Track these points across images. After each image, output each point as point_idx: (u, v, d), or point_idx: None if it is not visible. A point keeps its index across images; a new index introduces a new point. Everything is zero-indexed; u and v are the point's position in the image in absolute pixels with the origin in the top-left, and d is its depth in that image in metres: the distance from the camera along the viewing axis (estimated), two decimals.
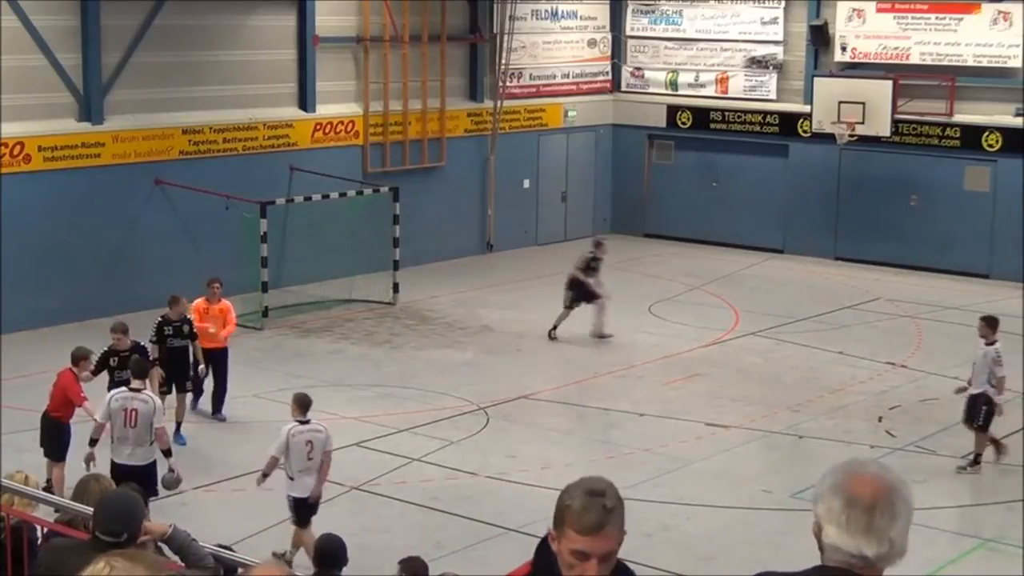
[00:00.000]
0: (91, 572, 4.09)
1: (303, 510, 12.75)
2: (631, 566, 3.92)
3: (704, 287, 26.29)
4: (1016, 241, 26.39)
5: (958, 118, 27.33)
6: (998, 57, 26.94)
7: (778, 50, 29.71)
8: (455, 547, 13.50)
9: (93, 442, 13.38)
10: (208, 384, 17.52)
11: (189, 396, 17.17)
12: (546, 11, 30.11)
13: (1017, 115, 26.78)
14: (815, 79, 28.17)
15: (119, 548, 5.07)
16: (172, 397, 16.63)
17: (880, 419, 18.13)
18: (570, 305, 21.93)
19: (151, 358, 15.76)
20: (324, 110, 25.95)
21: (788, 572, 3.49)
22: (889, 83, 26.98)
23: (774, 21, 29.63)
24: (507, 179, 29.40)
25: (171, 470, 13.58)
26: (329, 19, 25.90)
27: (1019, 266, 26.17)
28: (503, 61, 28.68)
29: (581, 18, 30.99)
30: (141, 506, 6.02)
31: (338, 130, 26.21)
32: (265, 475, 12.93)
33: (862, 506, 3.33)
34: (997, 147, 27.03)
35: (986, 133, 27.11)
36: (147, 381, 14.06)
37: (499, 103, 28.84)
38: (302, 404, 12.93)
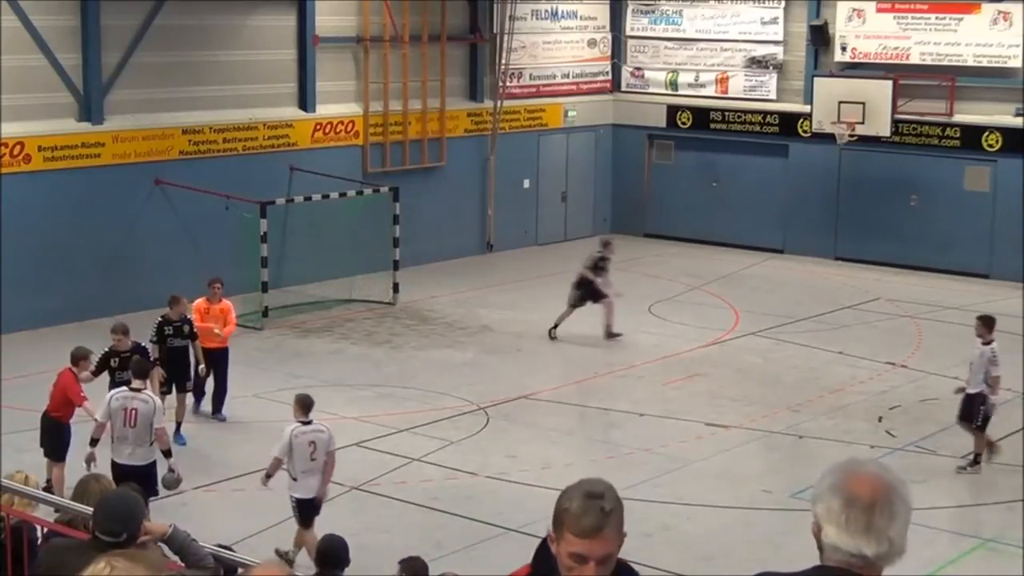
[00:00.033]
0: (92, 572, 4.09)
1: (306, 511, 12.74)
2: (632, 566, 3.91)
3: (704, 287, 26.30)
4: (1016, 241, 26.40)
5: (958, 118, 27.34)
6: (998, 57, 26.94)
7: (778, 50, 29.71)
8: (455, 547, 13.50)
9: (94, 442, 13.38)
10: (209, 385, 17.53)
11: (190, 396, 17.17)
12: (546, 11, 30.11)
13: (1017, 115, 26.78)
14: (815, 79, 28.17)
15: (119, 548, 5.08)
16: (172, 397, 16.63)
17: (880, 419, 18.14)
18: (575, 304, 21.93)
19: (152, 359, 15.75)
20: (324, 110, 25.96)
21: (788, 572, 3.49)
22: (889, 83, 26.98)
23: (774, 21, 29.63)
24: (507, 179, 29.40)
25: (171, 470, 13.57)
26: (329, 19, 25.90)
27: (1019, 266, 26.17)
28: (503, 61, 28.68)
29: (581, 18, 31.00)
30: (141, 506, 6.02)
31: (338, 130, 26.21)
32: (269, 476, 12.91)
33: (861, 505, 3.33)
34: (997, 147, 27.03)
35: (986, 133, 27.11)
36: (148, 381, 14.07)
37: (499, 103, 28.84)
38: (304, 405, 12.91)
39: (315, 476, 12.73)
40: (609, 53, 31.60)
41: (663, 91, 31.24)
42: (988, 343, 15.90)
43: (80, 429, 14.29)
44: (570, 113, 30.98)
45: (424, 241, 26.90)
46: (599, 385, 19.85)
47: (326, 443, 12.79)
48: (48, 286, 21.70)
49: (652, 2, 31.28)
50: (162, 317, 16.86)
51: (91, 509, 6.06)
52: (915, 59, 27.77)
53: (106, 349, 15.26)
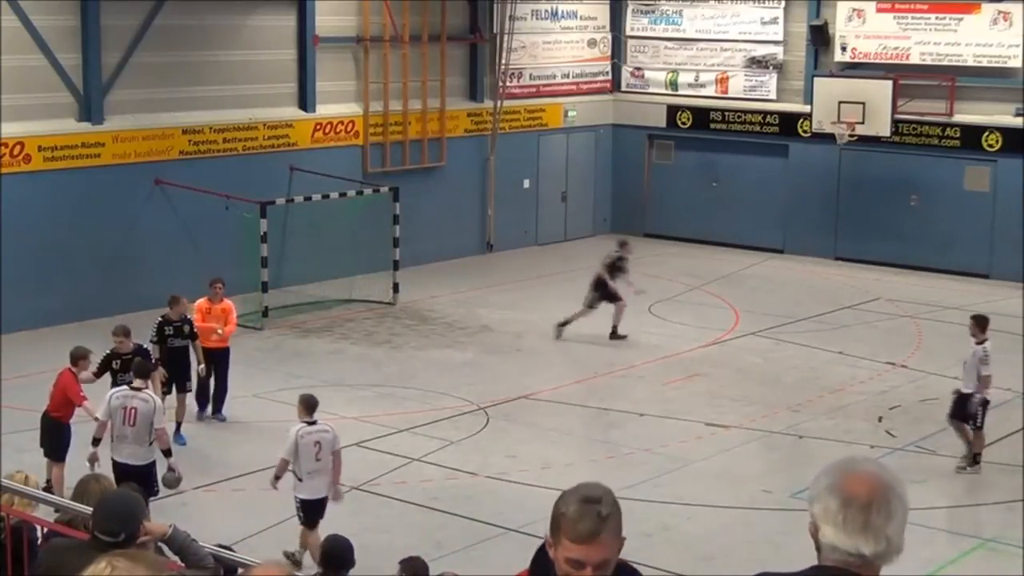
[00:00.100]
0: (92, 572, 4.09)
1: (311, 512, 12.73)
2: (634, 567, 3.91)
3: (704, 287, 26.30)
4: (1016, 241, 26.40)
5: (958, 118, 27.34)
6: (998, 57, 26.94)
7: (778, 50, 29.72)
8: (455, 547, 13.50)
9: (96, 441, 13.40)
10: (210, 388, 17.52)
11: (190, 396, 17.16)
12: (546, 11, 30.11)
13: (1017, 115, 26.78)
14: (815, 79, 28.17)
15: (118, 548, 5.07)
16: (172, 397, 16.63)
17: (880, 419, 18.14)
18: (590, 305, 21.93)
19: (153, 359, 15.75)
20: (324, 110, 25.96)
21: (787, 573, 3.48)
22: (889, 83, 26.98)
23: (774, 21, 29.63)
24: (507, 179, 29.40)
25: (171, 469, 13.58)
26: (329, 19, 25.90)
27: (1019, 266, 26.17)
28: (503, 61, 28.69)
29: (581, 18, 31.00)
30: (141, 506, 6.01)
31: (338, 130, 26.22)
32: (277, 478, 12.87)
33: (858, 505, 3.33)
34: (997, 147, 27.04)
35: (986, 133, 27.11)
36: (149, 382, 14.08)
37: (499, 103, 28.84)
38: (309, 405, 12.89)
39: (321, 477, 12.72)
40: (609, 53, 31.60)
41: (663, 91, 31.25)
42: (981, 343, 15.95)
43: (80, 429, 14.29)
44: (570, 113, 30.98)
45: (424, 241, 26.90)
46: (599, 385, 19.85)
47: (331, 443, 12.78)
48: (48, 286, 21.70)
49: (652, 2, 31.28)
50: (162, 317, 16.87)
51: (91, 509, 6.06)
52: (915, 59, 27.77)
53: (107, 351, 15.26)
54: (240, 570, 6.28)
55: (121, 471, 12.96)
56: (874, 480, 3.37)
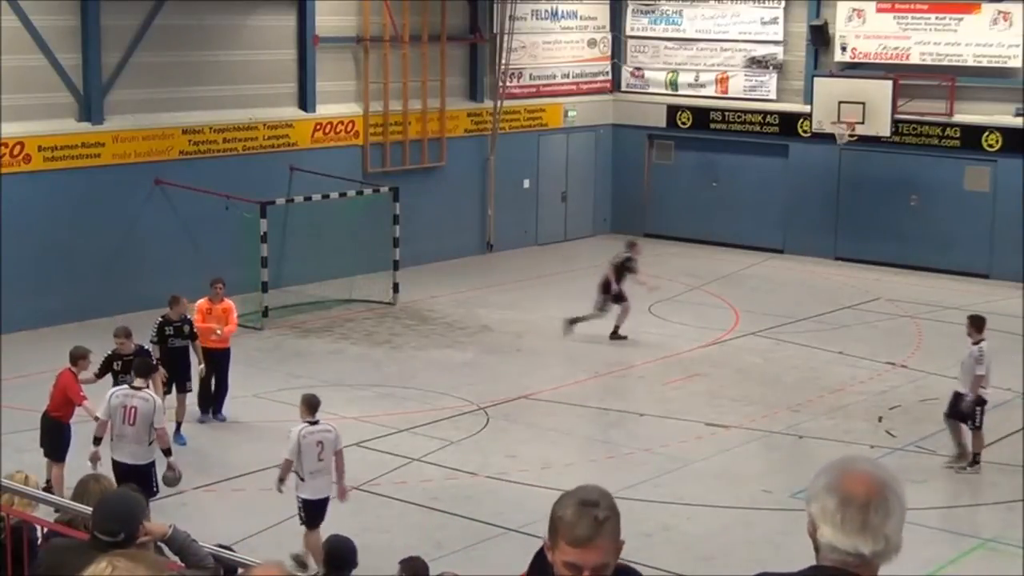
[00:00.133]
0: (93, 572, 4.09)
1: (313, 512, 12.71)
2: (632, 566, 3.90)
3: (704, 287, 26.30)
4: (1016, 241, 26.40)
5: (958, 118, 27.34)
6: (998, 57, 26.94)
7: (778, 50, 29.71)
8: (455, 547, 13.51)
9: (97, 440, 13.41)
10: (210, 390, 17.53)
11: (190, 396, 17.16)
12: (546, 11, 30.11)
13: (1017, 115, 26.78)
14: (815, 79, 28.17)
15: (117, 548, 5.07)
16: (172, 397, 16.63)
17: (880, 419, 18.14)
18: (601, 308, 21.89)
19: (154, 360, 15.75)
20: (324, 110, 25.96)
21: (786, 573, 3.48)
22: (889, 83, 26.98)
23: (774, 21, 29.63)
24: (507, 179, 29.41)
25: (171, 468, 13.58)
26: (329, 19, 25.90)
27: (1019, 266, 26.17)
28: (503, 61, 28.69)
29: (581, 18, 31.00)
30: (141, 506, 6.01)
31: (338, 130, 26.22)
32: (282, 480, 12.85)
33: (856, 504, 3.33)
34: (997, 147, 27.04)
35: (986, 133, 27.11)
36: (150, 382, 14.09)
37: (499, 103, 28.85)
38: (311, 405, 12.88)
39: (323, 477, 12.72)
40: (609, 53, 31.60)
41: (663, 91, 31.25)
42: (978, 343, 15.97)
43: (80, 429, 14.29)
44: (570, 113, 30.98)
45: (424, 241, 26.90)
46: (599, 385, 19.85)
47: (333, 443, 12.77)
48: (48, 286, 21.70)
49: (652, 2, 31.28)
50: (162, 317, 16.87)
51: (91, 509, 6.06)
52: (915, 59, 27.77)
53: (109, 352, 15.26)
54: (240, 570, 6.28)
55: (120, 470, 12.96)
56: (871, 479, 3.37)
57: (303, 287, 24.44)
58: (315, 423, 12.77)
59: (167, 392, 16.29)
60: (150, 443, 13.30)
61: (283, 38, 25.30)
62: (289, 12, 25.32)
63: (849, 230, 28.79)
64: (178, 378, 16.72)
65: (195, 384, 17.15)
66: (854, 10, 28.47)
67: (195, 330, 16.90)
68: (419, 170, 27.54)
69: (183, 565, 6.14)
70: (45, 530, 7.00)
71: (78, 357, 14.50)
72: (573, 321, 21.91)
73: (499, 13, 28.65)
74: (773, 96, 29.78)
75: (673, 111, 30.93)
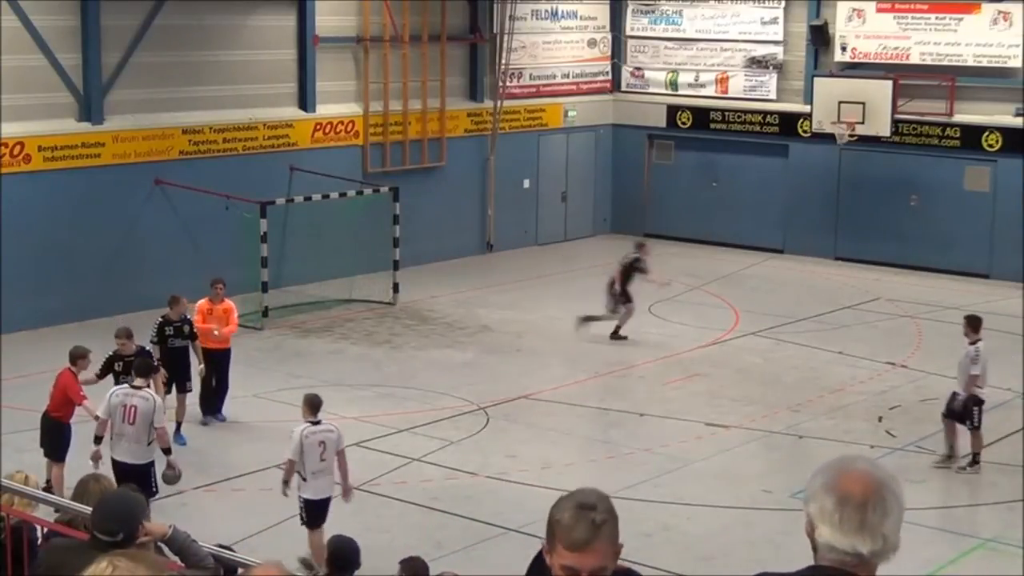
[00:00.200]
0: (93, 572, 4.10)
1: (315, 512, 12.70)
2: (632, 567, 3.90)
3: (704, 287, 26.29)
4: (1016, 241, 26.40)
5: (958, 118, 27.34)
6: (998, 57, 26.95)
7: (778, 50, 29.71)
8: (455, 547, 13.51)
9: (98, 439, 13.43)
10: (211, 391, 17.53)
11: (191, 397, 17.16)
12: (546, 11, 30.11)
13: (1017, 115, 26.78)
14: (815, 79, 28.17)
15: (117, 547, 5.08)
16: (172, 397, 16.63)
17: (880, 419, 18.14)
18: (613, 310, 21.91)
19: (155, 361, 15.76)
20: (324, 110, 25.96)
21: (785, 573, 3.48)
22: (889, 83, 26.98)
23: (774, 21, 29.63)
24: (507, 179, 29.41)
25: (171, 466, 13.59)
26: (329, 19, 25.90)
27: (1019, 266, 26.17)
28: (503, 61, 28.69)
29: (581, 18, 31.00)
30: (140, 506, 6.01)
31: (338, 130, 26.22)
32: (286, 482, 12.83)
33: (854, 503, 3.33)
34: (997, 147, 27.04)
35: (986, 133, 27.11)
36: (151, 382, 14.09)
37: (499, 103, 28.85)
38: (313, 405, 12.87)
39: (325, 477, 12.71)
40: (609, 53, 31.60)
41: (663, 91, 31.25)
42: (974, 343, 16.00)
43: (80, 429, 14.30)
44: (570, 113, 30.98)
45: (424, 241, 26.90)
46: (599, 385, 19.85)
47: (335, 443, 12.76)
48: (48, 286, 21.71)
49: (652, 2, 31.28)
50: (162, 317, 16.86)
51: (91, 509, 6.06)
52: (915, 59, 27.77)
53: (110, 353, 15.26)
54: (240, 570, 6.28)
55: (119, 470, 12.97)
56: (868, 478, 3.37)
57: (303, 287, 24.45)
58: (317, 423, 12.76)
59: (167, 392, 16.29)
60: (149, 443, 13.31)
61: (283, 38, 25.31)
62: (289, 12, 25.32)
63: (849, 230, 28.79)
64: (178, 378, 16.72)
65: (195, 384, 17.14)
66: (854, 10, 28.47)
67: (195, 330, 16.90)
68: (419, 170, 27.54)
69: (183, 565, 6.14)
70: (45, 530, 7.00)
71: (78, 357, 14.50)
72: (587, 319, 21.94)
73: (499, 13, 28.65)
74: (773, 96, 29.79)
75: (673, 111, 30.94)
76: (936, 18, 27.61)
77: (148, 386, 13.74)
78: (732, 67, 30.32)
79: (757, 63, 30.01)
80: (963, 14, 27.26)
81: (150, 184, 23.14)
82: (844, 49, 28.67)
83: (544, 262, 28.36)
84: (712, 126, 30.45)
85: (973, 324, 16.19)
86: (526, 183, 30.14)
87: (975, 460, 16.00)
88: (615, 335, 21.97)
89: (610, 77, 31.76)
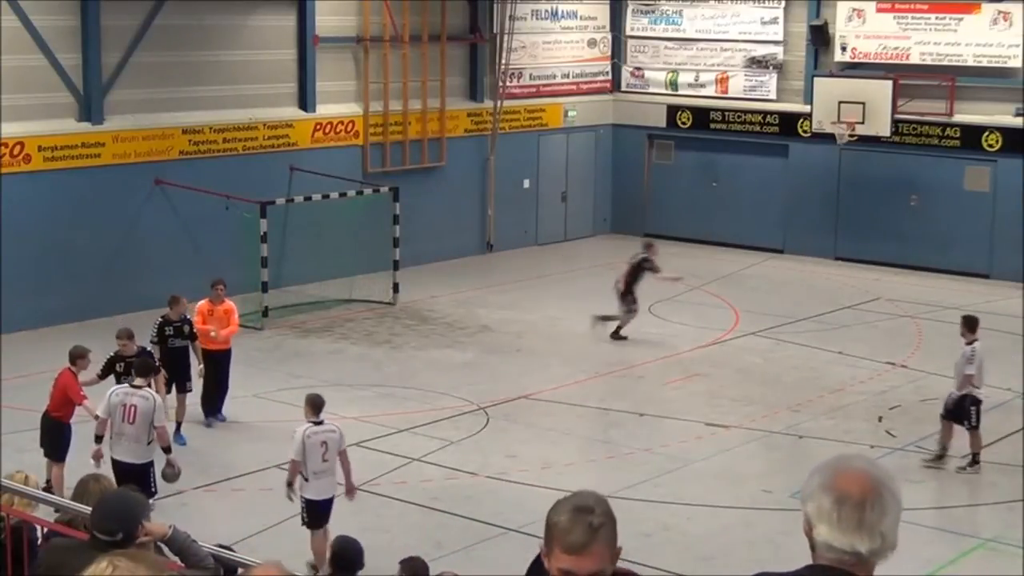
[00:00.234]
0: (93, 572, 4.10)
1: (317, 512, 12.69)
2: (632, 567, 3.90)
3: (704, 287, 26.29)
4: (1016, 241, 26.40)
5: (958, 118, 27.34)
6: (998, 57, 26.95)
7: (778, 50, 29.71)
8: (455, 547, 13.51)
9: (98, 439, 13.45)
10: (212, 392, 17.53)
11: (191, 397, 17.15)
12: (546, 11, 30.11)
13: (1017, 115, 26.78)
14: (815, 79, 28.17)
15: (116, 547, 5.08)
16: (172, 397, 16.63)
17: (880, 419, 18.14)
18: (628, 311, 21.91)
19: (155, 361, 15.76)
20: (324, 110, 25.96)
21: (784, 572, 3.48)
22: (889, 83, 26.98)
23: (774, 21, 29.63)
24: (507, 179, 29.41)
25: (170, 464, 13.60)
26: (329, 19, 25.90)
27: (1019, 266, 26.17)
28: (503, 61, 28.69)
29: (581, 18, 31.00)
30: (140, 506, 6.01)
31: (338, 130, 26.22)
32: (290, 484, 12.78)
33: (852, 502, 3.33)
34: (997, 147, 27.04)
35: (986, 133, 27.11)
36: (151, 382, 14.09)
37: (499, 103, 28.85)
38: (315, 405, 12.86)
39: (327, 477, 12.69)
40: (609, 53, 31.60)
41: (663, 91, 31.25)
42: (971, 343, 16.02)
43: (80, 429, 14.30)
44: (570, 113, 30.98)
45: (424, 241, 26.90)
46: (599, 385, 19.85)
47: (337, 443, 12.75)
48: (48, 286, 21.71)
49: (652, 2, 31.28)
50: (162, 317, 16.86)
51: (91, 509, 6.06)
52: (915, 59, 27.77)
53: (111, 354, 15.26)
54: (240, 570, 6.28)
55: (119, 469, 12.98)
56: (866, 477, 3.37)
57: (303, 287, 24.45)
58: (319, 423, 12.75)
59: (167, 392, 16.29)
60: (149, 442, 13.32)
61: (283, 38, 25.31)
62: (289, 12, 25.32)
63: (849, 230, 28.79)
64: (178, 378, 16.72)
65: (195, 384, 17.14)
66: (854, 10, 28.47)
67: (195, 330, 16.90)
68: (419, 170, 27.54)
69: (183, 565, 6.15)
70: (45, 530, 7.00)
71: (77, 356, 14.50)
72: (602, 319, 21.96)
73: (499, 13, 28.65)
74: (773, 96, 29.79)
75: (673, 111, 30.94)
76: (936, 18, 27.61)
77: (148, 386, 13.74)
78: (732, 67, 30.32)
79: (757, 63, 30.01)
80: (963, 14, 27.26)
81: (150, 184, 23.15)
82: (844, 49, 28.67)
83: (544, 262, 28.36)
84: (712, 126, 30.45)
85: (970, 324, 16.22)
86: (526, 183, 30.14)
87: (975, 460, 16.00)
88: (615, 335, 21.99)
89: (610, 77, 31.76)
